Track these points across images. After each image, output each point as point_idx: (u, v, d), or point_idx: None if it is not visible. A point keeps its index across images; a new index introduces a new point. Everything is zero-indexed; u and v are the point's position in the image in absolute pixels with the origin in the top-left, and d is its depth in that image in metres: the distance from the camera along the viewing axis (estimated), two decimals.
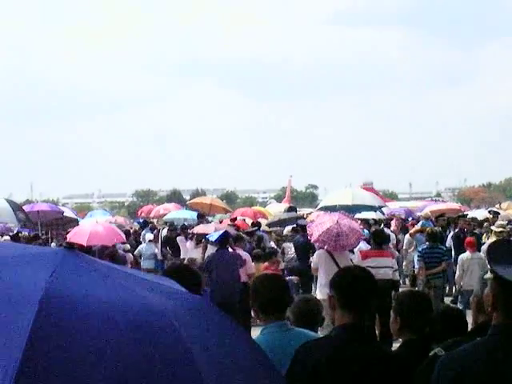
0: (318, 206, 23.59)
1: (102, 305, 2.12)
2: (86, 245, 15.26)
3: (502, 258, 3.13)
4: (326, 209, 18.19)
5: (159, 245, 20.98)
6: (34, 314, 1.98)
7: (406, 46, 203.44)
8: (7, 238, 20.65)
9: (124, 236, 18.31)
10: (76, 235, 16.66)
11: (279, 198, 78.49)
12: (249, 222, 23.46)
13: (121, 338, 2.07)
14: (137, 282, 2.37)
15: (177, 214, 28.55)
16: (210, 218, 26.43)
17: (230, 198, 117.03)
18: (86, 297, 2.13)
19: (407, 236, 19.56)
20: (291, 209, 26.82)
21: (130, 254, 18.32)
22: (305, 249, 15.77)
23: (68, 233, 19.10)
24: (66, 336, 2.02)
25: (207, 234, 15.40)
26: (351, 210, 15.07)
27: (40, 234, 21.34)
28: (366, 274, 4.15)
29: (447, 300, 15.21)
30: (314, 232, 12.64)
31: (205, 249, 15.10)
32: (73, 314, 2.06)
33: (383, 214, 26.67)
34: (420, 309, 4.62)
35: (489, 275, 3.31)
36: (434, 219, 22.06)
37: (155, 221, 29.12)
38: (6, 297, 2.07)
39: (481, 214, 27.46)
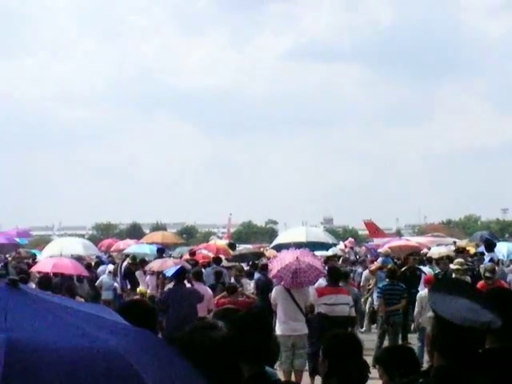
0: (272, 244, 23.65)
1: (64, 352, 2.05)
2: (50, 271, 15.93)
3: (442, 295, 3.05)
4: (280, 246, 18.20)
5: (118, 278, 20.77)
6: (1, 368, 1.90)
7: (364, 83, 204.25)
8: None
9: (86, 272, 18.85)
10: (40, 264, 17.46)
11: (239, 233, 78.69)
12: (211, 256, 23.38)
13: None
14: (87, 320, 2.32)
15: (137, 248, 28.30)
16: (171, 253, 26.34)
17: (189, 232, 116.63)
18: (47, 344, 2.05)
19: (365, 272, 19.56)
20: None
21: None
22: (265, 287, 15.63)
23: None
24: None
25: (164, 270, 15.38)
26: (306, 247, 15.02)
27: None
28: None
29: (413, 337, 15.19)
30: (274, 267, 12.61)
31: (162, 284, 15.01)
32: (41, 367, 1.98)
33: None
34: (347, 352, 4.43)
35: (431, 313, 3.24)
36: (403, 257, 21.56)
37: (115, 254, 28.90)
38: None
39: (440, 251, 27.56)
